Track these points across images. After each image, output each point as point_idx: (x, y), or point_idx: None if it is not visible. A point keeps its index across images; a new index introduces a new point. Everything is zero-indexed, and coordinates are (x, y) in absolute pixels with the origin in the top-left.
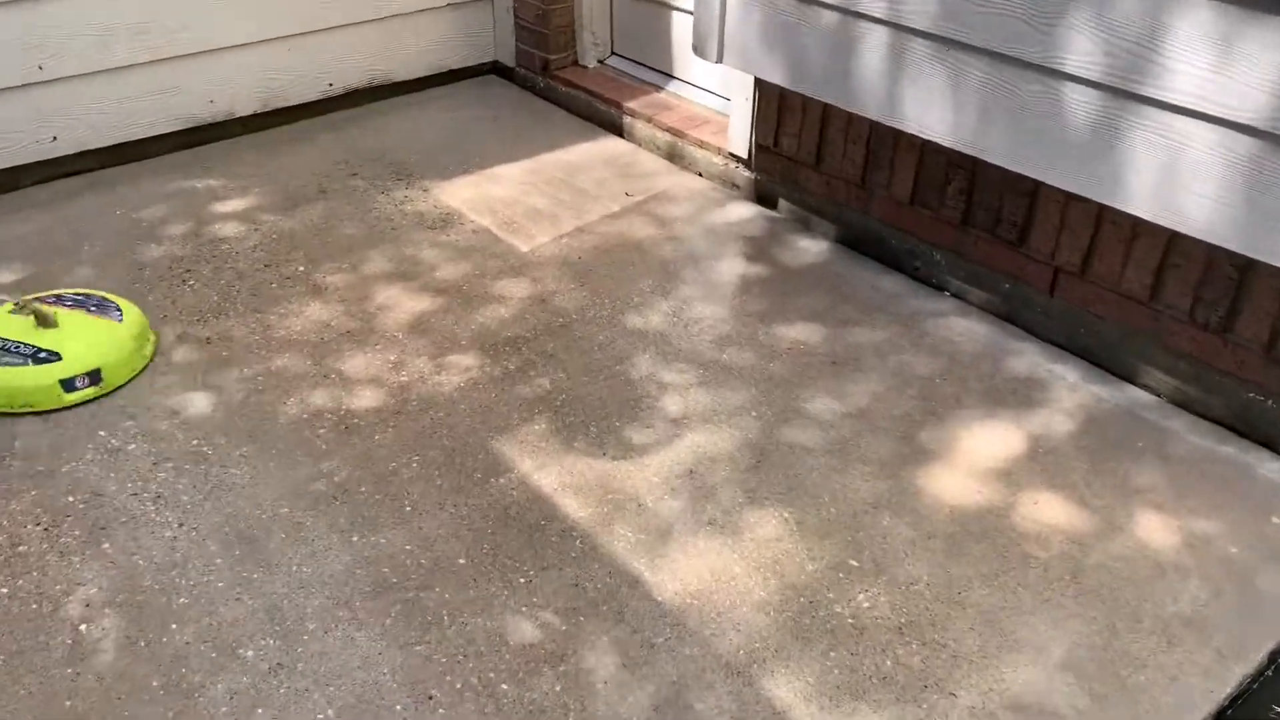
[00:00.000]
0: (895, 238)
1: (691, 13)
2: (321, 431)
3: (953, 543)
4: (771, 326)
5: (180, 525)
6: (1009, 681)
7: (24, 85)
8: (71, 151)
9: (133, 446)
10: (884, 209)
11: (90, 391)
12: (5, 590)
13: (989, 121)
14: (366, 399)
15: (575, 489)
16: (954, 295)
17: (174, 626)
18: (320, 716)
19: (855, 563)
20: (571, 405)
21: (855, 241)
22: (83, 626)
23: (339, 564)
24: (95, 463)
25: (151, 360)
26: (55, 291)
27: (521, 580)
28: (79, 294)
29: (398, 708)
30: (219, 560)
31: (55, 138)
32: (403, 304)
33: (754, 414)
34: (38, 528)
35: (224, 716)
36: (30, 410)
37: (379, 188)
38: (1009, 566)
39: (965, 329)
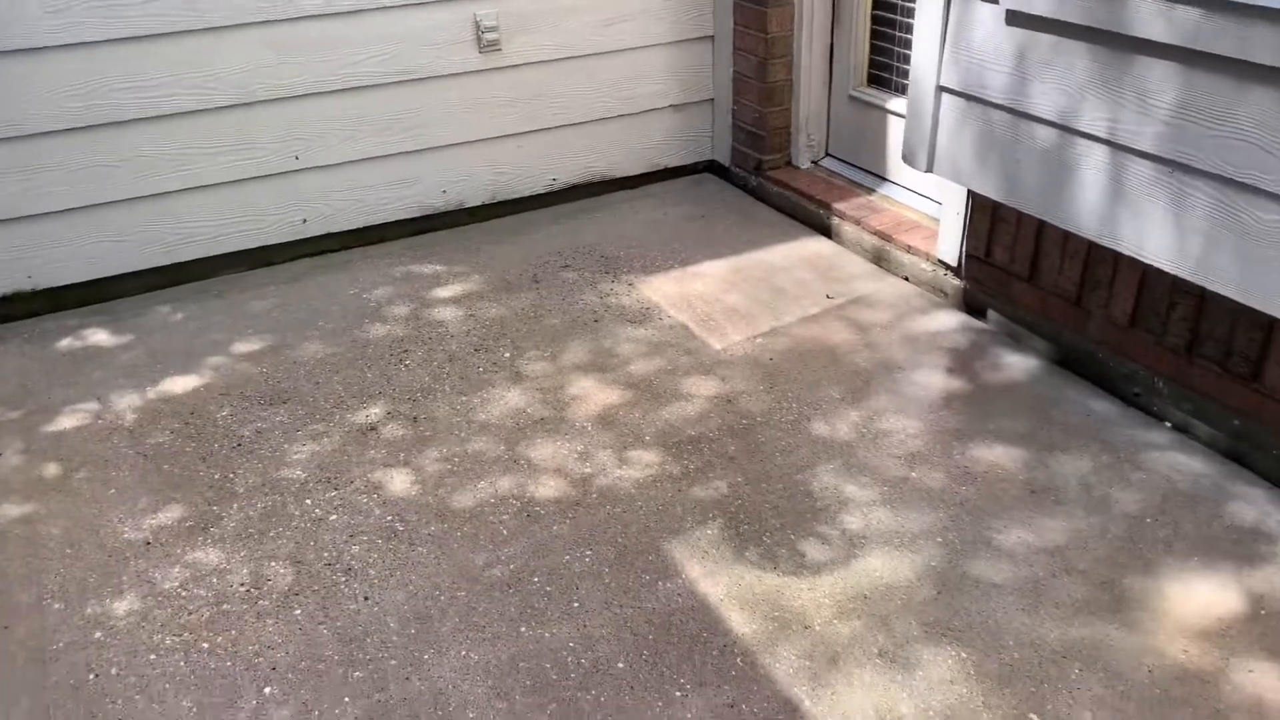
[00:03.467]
0: (1113, 360)
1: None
2: (505, 518)
3: (1149, 707)
4: (967, 446)
5: (365, 599)
6: None
7: (283, 172)
8: (318, 233)
9: (334, 518)
10: (1101, 329)
11: None
12: (206, 645)
13: (1215, 249)
14: (550, 488)
15: (742, 602)
16: (1176, 428)
17: (346, 700)
18: None
19: (1035, 717)
20: (747, 512)
21: (1068, 361)
22: (266, 689)
23: (505, 654)
24: (300, 530)
25: None
26: None
27: (677, 694)
28: None
29: None
30: (395, 638)
31: (305, 220)
32: (594, 396)
33: (939, 540)
34: (242, 588)
35: None
36: None
37: (587, 280)
38: None
39: (1185, 466)
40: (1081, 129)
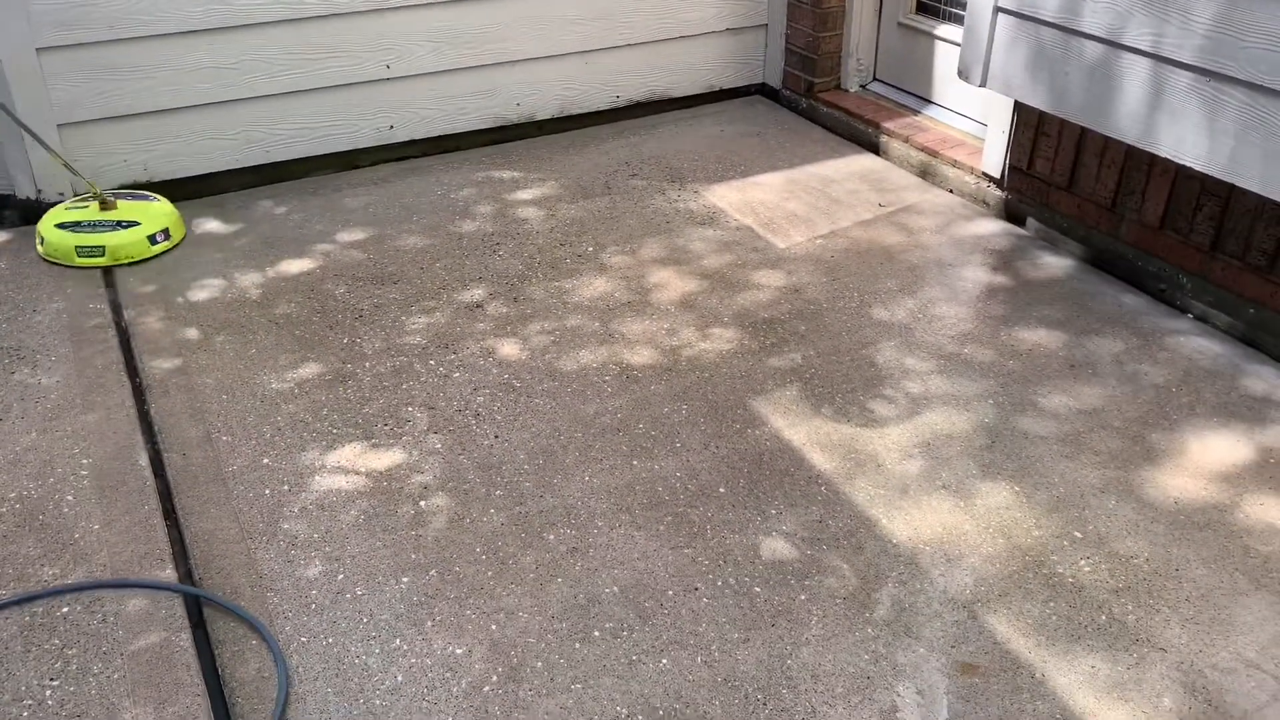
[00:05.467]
0: (1141, 259)
1: (954, 43)
2: (607, 379)
3: (1175, 527)
4: (1012, 329)
5: (495, 437)
6: (1219, 646)
7: (374, 80)
8: (403, 140)
9: (457, 375)
10: (1133, 232)
11: (165, 245)
12: (364, 471)
13: (1244, 148)
14: (643, 357)
15: (821, 446)
16: (1197, 318)
17: (491, 511)
18: (607, 591)
19: (1079, 534)
20: (820, 378)
21: (1100, 261)
22: (422, 503)
23: (621, 480)
24: (428, 384)
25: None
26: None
27: (773, 511)
28: (120, 190)
29: (669, 593)
30: (525, 466)
31: (392, 126)
32: (673, 284)
33: (990, 402)
34: (386, 427)
35: (531, 580)
36: (130, 261)
37: (655, 187)
38: (1229, 554)
39: (1204, 347)
40: (1128, 43)
